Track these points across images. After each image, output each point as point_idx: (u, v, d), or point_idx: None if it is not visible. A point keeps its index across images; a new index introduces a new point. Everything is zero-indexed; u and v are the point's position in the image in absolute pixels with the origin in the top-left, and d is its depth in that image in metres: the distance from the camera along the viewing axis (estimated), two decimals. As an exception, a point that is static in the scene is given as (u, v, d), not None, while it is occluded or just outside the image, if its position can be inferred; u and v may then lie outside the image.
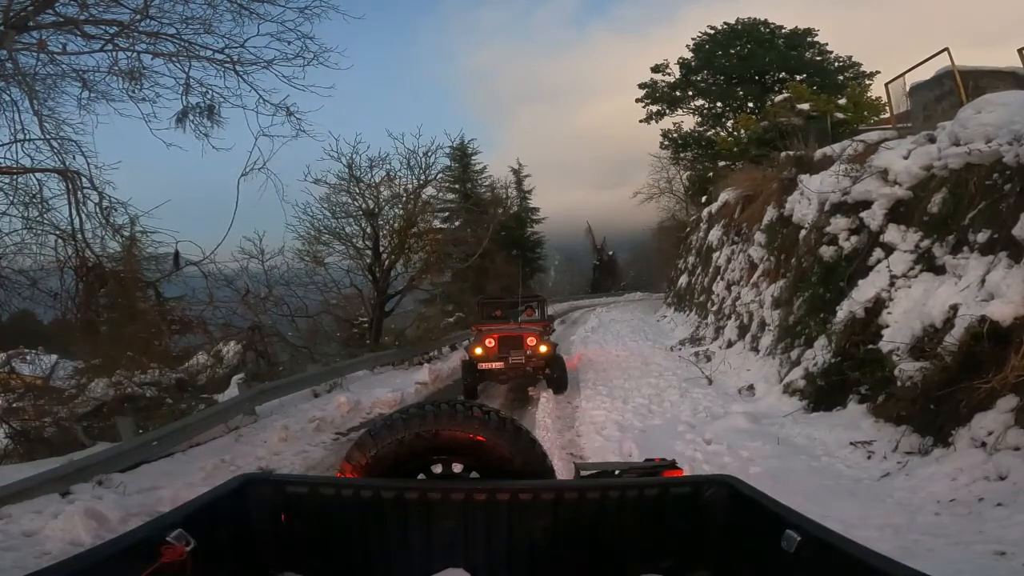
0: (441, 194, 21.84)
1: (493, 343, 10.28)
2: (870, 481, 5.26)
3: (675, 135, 30.10)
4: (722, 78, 28.59)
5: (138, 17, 8.12)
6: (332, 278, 16.65)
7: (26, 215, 8.91)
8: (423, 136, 28.96)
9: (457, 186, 26.50)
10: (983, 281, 5.51)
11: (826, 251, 8.55)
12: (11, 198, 8.77)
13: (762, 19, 28.45)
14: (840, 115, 17.75)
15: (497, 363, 10.16)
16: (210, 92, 8.98)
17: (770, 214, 11.88)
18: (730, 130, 27.61)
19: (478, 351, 10.32)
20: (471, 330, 13.02)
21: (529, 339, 10.30)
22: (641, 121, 30.78)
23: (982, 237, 5.95)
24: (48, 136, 8.72)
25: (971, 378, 5.03)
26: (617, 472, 2.18)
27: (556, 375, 10.35)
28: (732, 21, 28.83)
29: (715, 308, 15.31)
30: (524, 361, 10.17)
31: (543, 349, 10.28)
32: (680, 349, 14.54)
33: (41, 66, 8.39)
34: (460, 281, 21.54)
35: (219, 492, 1.88)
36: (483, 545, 1.92)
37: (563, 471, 3.65)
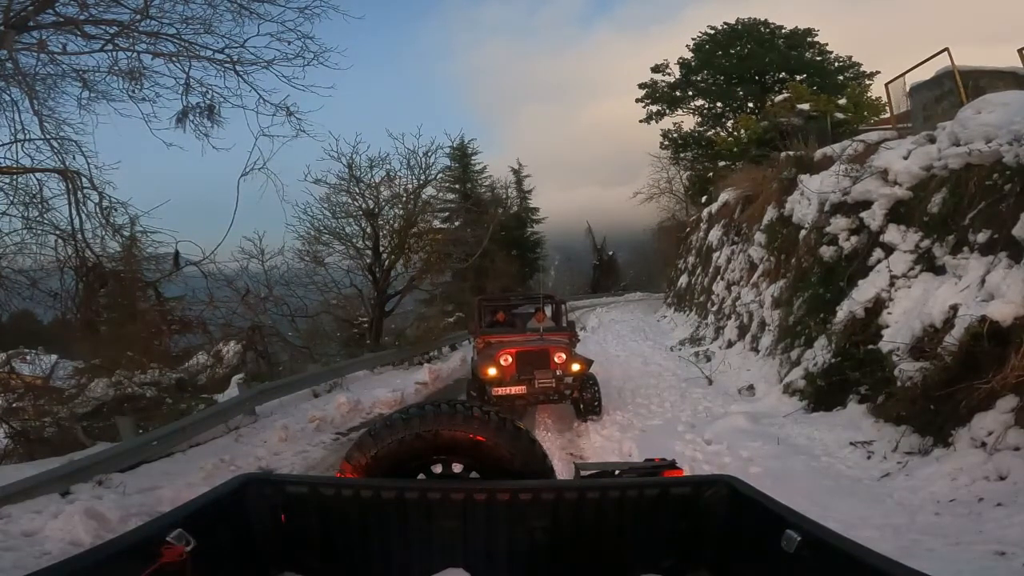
0: (441, 194, 21.96)
1: (510, 361, 8.16)
2: (870, 481, 5.26)
3: (675, 135, 30.14)
4: (722, 78, 28.59)
5: (138, 17, 8.15)
6: (332, 278, 16.69)
7: (26, 215, 8.96)
8: (423, 136, 29.14)
9: (457, 186, 26.54)
10: (983, 281, 5.51)
11: (826, 251, 8.55)
12: (11, 198, 8.83)
13: (762, 19, 28.58)
14: (840, 115, 17.75)
15: (517, 387, 8.05)
16: (210, 92, 9.04)
17: (770, 214, 11.87)
18: (730, 130, 27.63)
19: (491, 372, 8.12)
20: (473, 341, 10.36)
21: (557, 355, 8.20)
22: (641, 121, 30.88)
23: (982, 237, 5.95)
24: (48, 136, 8.77)
25: (971, 378, 5.03)
26: (617, 472, 2.18)
27: (589, 397, 8.31)
28: (732, 21, 28.94)
29: (715, 308, 15.30)
30: (554, 385, 8.09)
31: (576, 367, 8.19)
32: (680, 349, 14.56)
33: (41, 66, 8.44)
34: (460, 281, 21.53)
35: (219, 492, 1.89)
36: (483, 545, 1.92)
37: (563, 471, 3.64)
